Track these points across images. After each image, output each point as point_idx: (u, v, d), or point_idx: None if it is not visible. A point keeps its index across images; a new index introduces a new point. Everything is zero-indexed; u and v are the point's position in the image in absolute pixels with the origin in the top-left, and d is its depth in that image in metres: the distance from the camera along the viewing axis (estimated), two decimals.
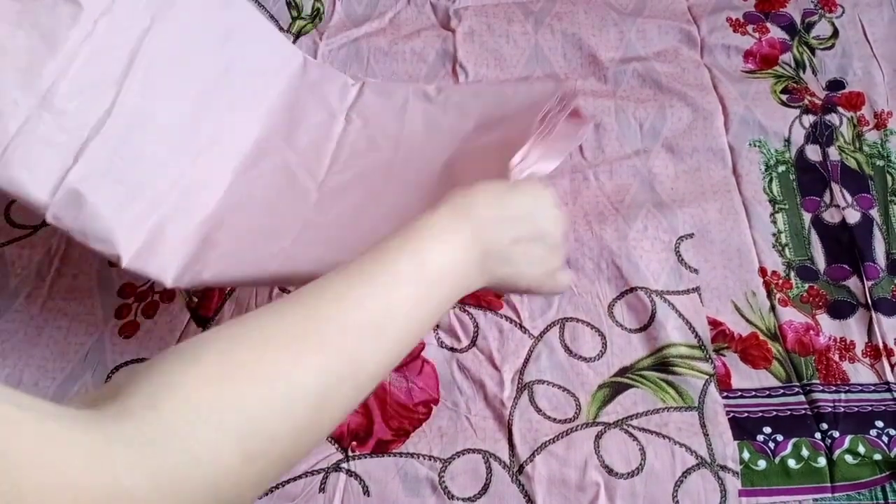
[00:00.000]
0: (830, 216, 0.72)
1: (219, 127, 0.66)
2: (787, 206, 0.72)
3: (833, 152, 0.76)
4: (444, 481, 0.58)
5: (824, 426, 0.60)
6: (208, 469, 0.30)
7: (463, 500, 0.57)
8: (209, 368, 0.32)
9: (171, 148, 0.63)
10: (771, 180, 0.74)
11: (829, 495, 0.58)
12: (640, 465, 0.58)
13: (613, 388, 0.63)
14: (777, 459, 0.59)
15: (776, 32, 0.86)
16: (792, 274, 0.68)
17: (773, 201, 0.73)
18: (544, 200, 0.50)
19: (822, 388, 0.62)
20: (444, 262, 0.42)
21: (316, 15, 0.91)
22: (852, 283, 0.68)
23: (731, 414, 0.61)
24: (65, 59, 0.57)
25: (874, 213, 0.72)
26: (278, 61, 0.74)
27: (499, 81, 0.80)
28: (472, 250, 0.45)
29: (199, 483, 0.30)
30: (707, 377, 0.63)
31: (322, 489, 0.58)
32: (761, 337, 0.65)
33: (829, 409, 0.61)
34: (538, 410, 0.61)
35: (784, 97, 0.80)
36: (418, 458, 0.59)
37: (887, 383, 0.62)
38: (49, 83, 0.56)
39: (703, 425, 0.60)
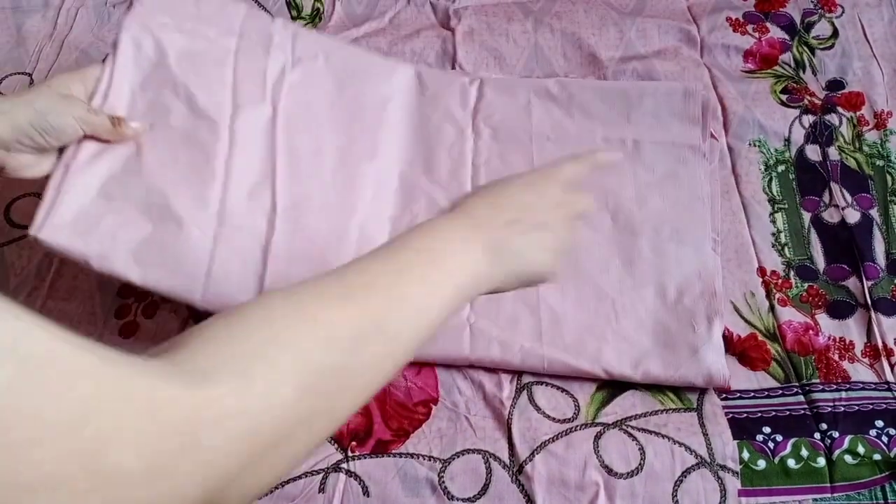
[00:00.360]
0: (830, 216, 0.72)
1: (365, 180, 0.69)
2: (786, 206, 0.72)
3: (833, 152, 0.76)
4: (443, 481, 0.58)
5: (824, 426, 0.60)
6: (263, 401, 0.32)
7: (463, 500, 0.57)
8: (266, 311, 0.36)
9: (333, 220, 0.66)
10: (770, 180, 0.74)
11: (829, 495, 0.58)
12: (640, 464, 0.58)
13: (612, 390, 0.63)
14: (776, 459, 0.59)
15: (776, 32, 0.86)
16: (791, 273, 0.68)
17: (772, 201, 0.73)
18: (544, 186, 0.51)
19: (821, 387, 0.62)
20: (454, 265, 0.45)
21: (316, 15, 0.91)
22: (851, 283, 0.68)
23: (731, 414, 0.61)
24: (221, 173, 0.61)
25: (874, 212, 0.72)
26: (395, 85, 0.75)
27: (618, 82, 0.81)
28: (475, 247, 0.46)
29: (254, 413, 0.31)
30: None
31: (322, 489, 0.58)
32: (760, 337, 0.65)
33: (829, 409, 0.61)
34: (537, 410, 0.61)
35: (784, 97, 0.80)
36: (418, 458, 0.59)
37: (887, 383, 0.62)
38: (218, 202, 0.60)
39: (702, 425, 0.60)
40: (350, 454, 0.60)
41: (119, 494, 0.25)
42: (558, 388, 0.63)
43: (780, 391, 0.62)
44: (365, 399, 0.40)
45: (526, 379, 0.63)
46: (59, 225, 0.55)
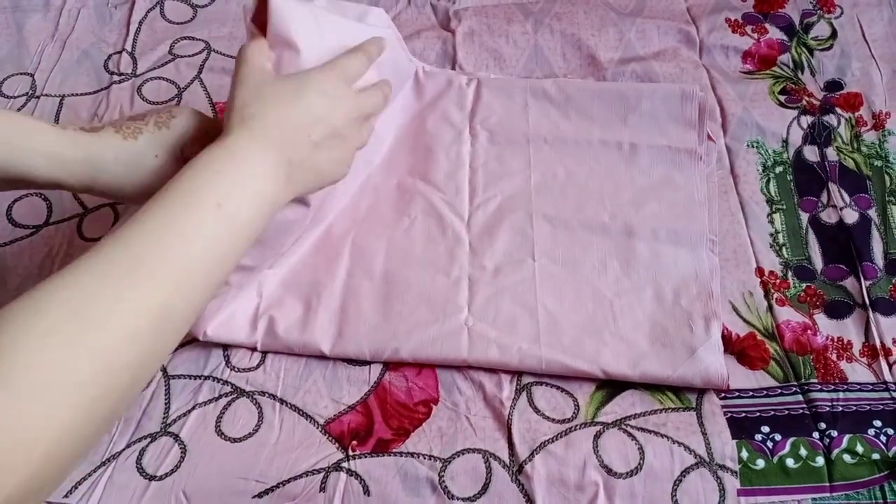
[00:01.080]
0: (828, 216, 0.72)
1: (365, 185, 0.73)
2: (784, 207, 0.73)
3: (831, 153, 0.76)
4: (444, 481, 0.58)
5: (822, 426, 0.60)
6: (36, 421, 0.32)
7: (463, 499, 0.58)
8: (50, 321, 0.34)
9: (335, 229, 0.70)
10: (768, 181, 0.74)
11: (828, 495, 0.58)
12: (639, 464, 0.58)
13: (611, 390, 0.63)
14: (775, 459, 0.59)
15: (775, 33, 0.87)
16: (789, 274, 0.69)
17: (770, 201, 0.73)
18: (335, 89, 0.52)
19: (820, 387, 0.62)
20: (251, 204, 0.46)
21: None
22: (849, 283, 0.68)
23: (729, 413, 0.61)
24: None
25: (872, 213, 0.72)
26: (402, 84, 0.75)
27: (616, 83, 0.81)
28: (279, 173, 0.48)
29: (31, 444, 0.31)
30: None
31: (322, 489, 0.58)
32: (759, 337, 0.65)
33: (828, 409, 0.61)
34: (537, 411, 0.62)
35: (782, 98, 0.80)
36: (418, 457, 0.60)
37: (885, 383, 0.63)
38: None
39: (701, 424, 0.60)
40: (350, 453, 0.60)
41: None
42: (558, 387, 0.63)
43: (779, 390, 0.62)
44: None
45: (526, 379, 0.64)
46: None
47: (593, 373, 0.62)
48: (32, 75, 0.87)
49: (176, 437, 0.61)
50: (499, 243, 0.68)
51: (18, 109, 0.83)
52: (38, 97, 0.84)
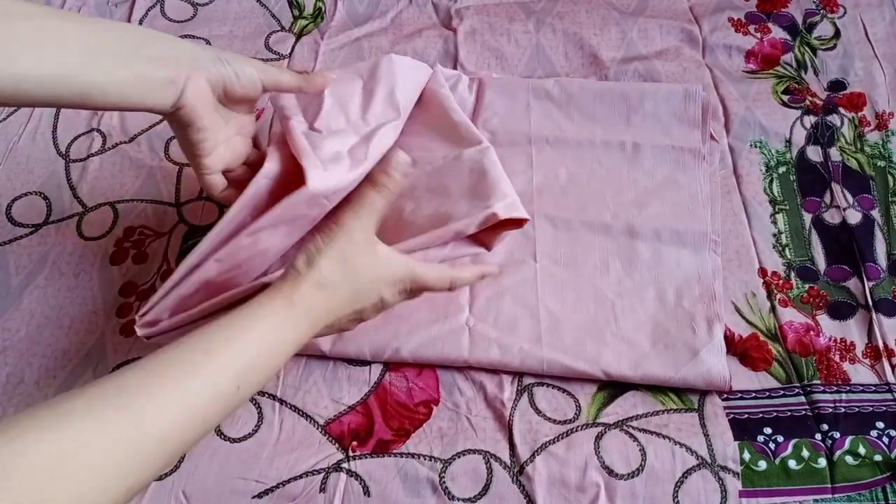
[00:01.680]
0: (831, 217, 0.72)
1: None
2: (787, 207, 0.72)
3: (834, 153, 0.76)
4: (444, 482, 0.58)
5: (825, 427, 0.60)
6: None
7: (463, 500, 0.57)
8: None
9: None
10: (771, 181, 0.74)
11: (830, 496, 0.58)
12: (641, 465, 0.58)
13: (613, 390, 0.63)
14: (777, 460, 0.59)
15: (778, 33, 0.86)
16: (792, 274, 0.68)
17: (773, 202, 0.73)
18: (407, 291, 0.56)
19: (822, 388, 0.62)
20: (276, 357, 0.49)
21: (318, 14, 0.91)
22: (852, 283, 0.68)
23: (731, 415, 0.61)
24: None
25: (875, 213, 0.72)
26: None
27: (618, 83, 0.81)
28: (314, 332, 0.52)
29: None
30: None
31: (322, 489, 0.58)
32: (761, 338, 0.65)
33: (830, 410, 0.61)
34: (538, 412, 0.61)
35: (785, 98, 0.80)
36: (419, 458, 0.59)
37: (888, 384, 0.62)
38: None
39: (703, 426, 0.60)
40: (351, 454, 0.60)
41: None
42: (559, 388, 0.63)
43: (782, 392, 0.62)
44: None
45: (527, 380, 0.63)
46: None
47: (594, 374, 0.62)
48: None
49: None
50: (500, 244, 0.67)
51: (18, 108, 0.83)
52: None
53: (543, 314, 0.64)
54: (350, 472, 0.59)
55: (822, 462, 0.58)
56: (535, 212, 0.70)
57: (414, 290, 0.56)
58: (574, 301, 0.65)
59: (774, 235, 0.71)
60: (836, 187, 0.73)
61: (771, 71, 0.83)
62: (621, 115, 0.75)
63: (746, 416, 0.61)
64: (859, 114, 0.79)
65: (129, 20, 0.90)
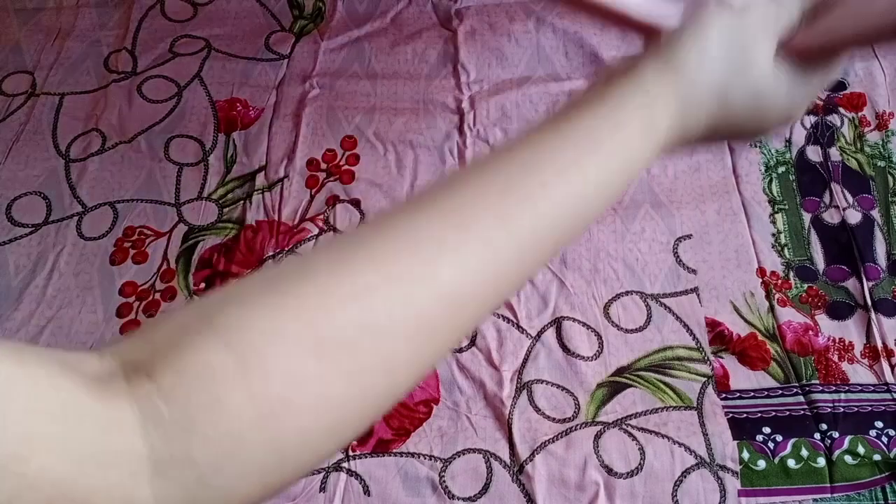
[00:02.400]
0: (830, 217, 0.72)
1: None
2: (786, 207, 0.72)
3: (834, 153, 0.76)
4: (444, 481, 0.58)
5: (824, 426, 0.60)
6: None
7: (463, 499, 0.58)
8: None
9: None
10: (771, 181, 0.74)
11: (829, 495, 0.58)
12: (640, 464, 0.58)
13: (612, 388, 0.63)
14: (776, 459, 0.59)
15: None
16: (791, 274, 0.68)
17: (772, 202, 0.73)
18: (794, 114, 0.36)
19: (821, 388, 0.62)
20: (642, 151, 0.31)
21: (317, 14, 0.91)
22: (851, 284, 0.68)
23: (731, 414, 0.61)
24: None
25: (875, 213, 0.72)
26: None
27: None
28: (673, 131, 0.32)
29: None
30: (705, 379, 0.63)
31: (322, 489, 0.58)
32: (760, 337, 0.65)
33: (829, 410, 0.61)
34: (537, 410, 0.61)
35: None
36: (419, 457, 0.59)
37: (886, 384, 0.62)
38: None
39: (702, 424, 0.60)
40: (351, 453, 0.60)
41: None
42: (558, 386, 0.63)
43: (780, 391, 0.62)
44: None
45: (527, 377, 0.63)
46: None
47: None
48: (32, 73, 0.86)
49: None
50: None
51: (19, 107, 0.83)
52: (37, 95, 0.84)
53: None
54: (350, 472, 0.59)
55: (822, 461, 0.58)
56: None
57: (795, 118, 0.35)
58: None
59: (773, 235, 0.71)
60: (835, 187, 0.73)
61: None
62: None
63: (745, 415, 0.61)
64: (859, 114, 0.79)
65: (128, 20, 0.90)
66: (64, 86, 0.85)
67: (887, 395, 0.62)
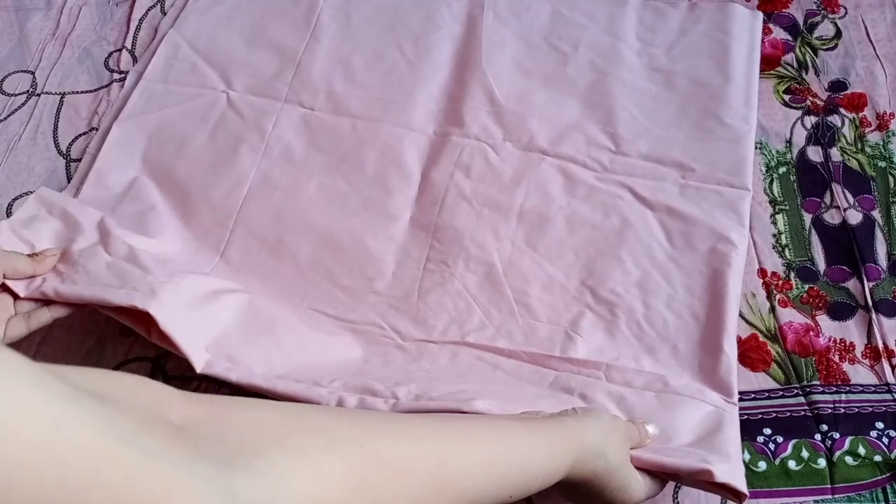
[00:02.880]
0: (831, 217, 0.71)
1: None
2: (787, 207, 0.72)
3: (835, 153, 0.76)
4: None
5: (824, 427, 0.60)
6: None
7: None
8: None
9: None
10: (771, 181, 0.74)
11: (830, 497, 0.58)
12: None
13: None
14: (777, 461, 0.59)
15: (779, 33, 0.86)
16: (792, 275, 0.68)
17: (773, 202, 0.73)
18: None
19: (822, 389, 0.62)
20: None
21: None
22: (852, 284, 0.68)
23: None
24: None
25: (876, 214, 0.71)
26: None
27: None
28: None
29: None
30: None
31: None
32: (761, 338, 0.65)
33: (829, 411, 0.61)
34: None
35: (786, 98, 0.80)
36: None
37: (887, 384, 0.62)
38: None
39: None
40: None
41: None
42: None
43: (781, 392, 0.62)
44: None
45: None
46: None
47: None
48: (33, 73, 0.86)
49: None
50: None
51: (20, 107, 0.83)
52: (38, 95, 0.84)
53: None
54: None
55: (822, 462, 0.58)
56: None
57: None
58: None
59: (774, 236, 0.71)
60: (836, 188, 0.73)
61: (772, 71, 0.83)
62: None
63: (746, 416, 0.61)
64: (860, 114, 0.79)
65: (129, 20, 0.90)
66: (64, 85, 0.85)
67: (888, 396, 0.62)
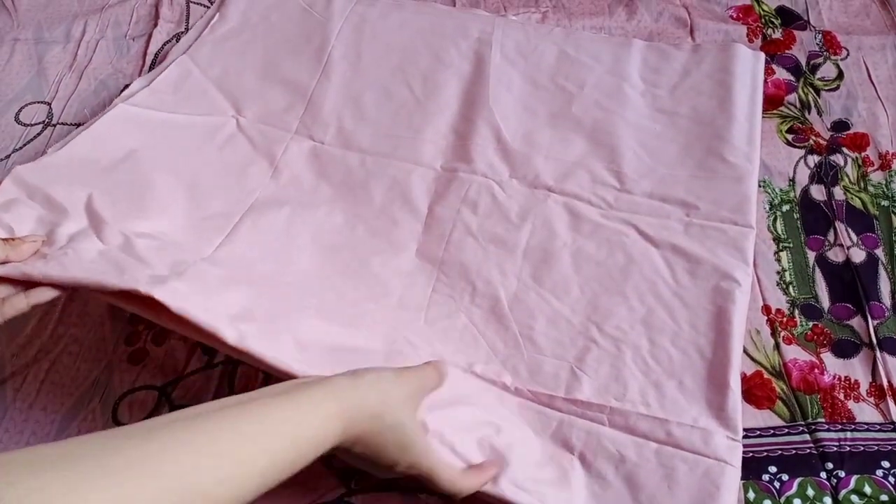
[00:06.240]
0: (835, 255, 0.72)
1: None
2: (791, 245, 0.73)
3: (838, 192, 0.76)
4: None
5: (830, 466, 0.60)
6: None
7: None
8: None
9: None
10: (775, 219, 0.75)
11: None
12: None
13: None
14: (783, 499, 0.58)
15: (782, 74, 0.88)
16: (796, 312, 0.69)
17: (777, 240, 0.73)
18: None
19: (827, 426, 0.62)
20: (313, 445, 0.42)
21: None
22: (856, 322, 0.68)
23: None
24: None
25: (879, 252, 0.72)
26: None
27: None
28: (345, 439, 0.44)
29: None
30: None
31: None
32: (766, 375, 0.65)
33: (835, 449, 0.60)
34: None
35: (789, 137, 0.81)
36: (424, 493, 0.59)
37: (893, 423, 0.62)
38: None
39: None
40: (353, 487, 0.59)
41: None
42: None
43: (786, 430, 0.62)
44: None
45: None
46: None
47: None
48: (49, 104, 0.88)
49: None
50: None
51: (34, 137, 0.85)
52: (54, 125, 0.86)
53: None
54: None
55: (828, 501, 0.58)
56: None
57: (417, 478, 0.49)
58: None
59: (778, 273, 0.71)
60: (839, 226, 0.74)
61: (775, 111, 0.84)
62: None
63: (751, 454, 0.60)
64: (863, 154, 0.80)
65: (145, 53, 0.93)
66: (80, 116, 0.87)
67: (893, 435, 0.61)
